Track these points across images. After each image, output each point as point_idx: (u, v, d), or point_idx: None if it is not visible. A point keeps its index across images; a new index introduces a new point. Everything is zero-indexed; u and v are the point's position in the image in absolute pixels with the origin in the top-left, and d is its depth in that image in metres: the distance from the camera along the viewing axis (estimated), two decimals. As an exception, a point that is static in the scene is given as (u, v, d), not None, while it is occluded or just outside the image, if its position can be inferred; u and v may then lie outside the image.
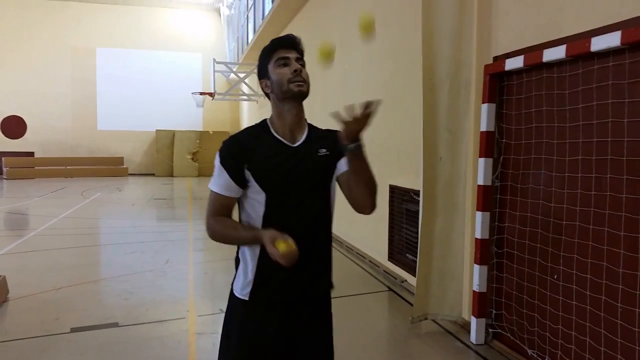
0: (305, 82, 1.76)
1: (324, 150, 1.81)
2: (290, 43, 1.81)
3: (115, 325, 4.34)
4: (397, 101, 5.82)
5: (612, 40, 2.67)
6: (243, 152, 1.74)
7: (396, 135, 5.86)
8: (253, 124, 1.88)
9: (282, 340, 1.80)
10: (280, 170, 1.73)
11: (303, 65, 1.80)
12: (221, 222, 1.77)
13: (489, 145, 3.82)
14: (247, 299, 1.80)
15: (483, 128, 3.83)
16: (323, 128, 1.94)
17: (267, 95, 1.85)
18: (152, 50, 23.98)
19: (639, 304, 2.66)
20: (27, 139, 22.81)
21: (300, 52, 1.82)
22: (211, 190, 1.80)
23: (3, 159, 21.62)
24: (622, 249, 2.76)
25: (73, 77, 23.33)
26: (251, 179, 1.73)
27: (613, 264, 2.82)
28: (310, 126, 1.89)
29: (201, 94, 19.69)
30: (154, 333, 4.21)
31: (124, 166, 23.15)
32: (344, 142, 1.61)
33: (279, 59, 1.77)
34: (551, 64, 3.22)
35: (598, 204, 2.93)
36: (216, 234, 1.78)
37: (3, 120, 22.41)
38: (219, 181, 1.76)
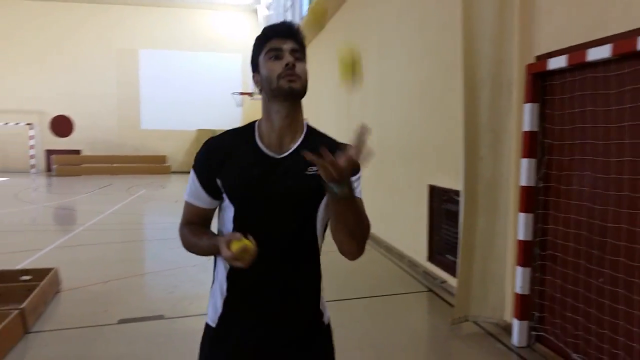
0: (300, 77, 1.44)
1: (315, 168, 1.33)
2: (286, 31, 1.48)
3: (161, 317, 4.51)
4: (436, 101, 5.80)
5: (662, 39, 2.62)
6: (216, 157, 1.49)
7: (435, 135, 5.84)
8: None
9: None
10: (254, 184, 1.45)
11: (300, 59, 1.47)
12: (187, 229, 1.55)
13: (532, 145, 3.78)
14: (213, 325, 1.55)
15: (526, 128, 3.79)
16: (347, 142, 1.45)
17: (260, 91, 1.56)
18: (192, 51, 24.55)
19: (688, 309, 2.60)
20: (74, 138, 23.74)
21: (299, 43, 1.49)
22: (185, 200, 1.58)
23: (52, 156, 22.55)
24: (671, 253, 2.70)
25: (118, 78, 24.15)
26: (222, 190, 1.49)
27: (661, 267, 2.76)
28: (310, 132, 1.56)
29: (241, 94, 20.00)
30: (198, 326, 4.28)
31: (167, 164, 23.76)
32: (325, 179, 1.22)
33: (270, 51, 1.46)
34: (596, 64, 3.17)
35: (646, 206, 2.87)
36: (184, 242, 1.55)
37: (52, 119, 23.37)
38: (190, 189, 1.54)
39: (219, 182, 1.48)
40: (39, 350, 3.81)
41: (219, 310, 1.53)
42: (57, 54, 23.45)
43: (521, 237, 3.85)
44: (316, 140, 1.52)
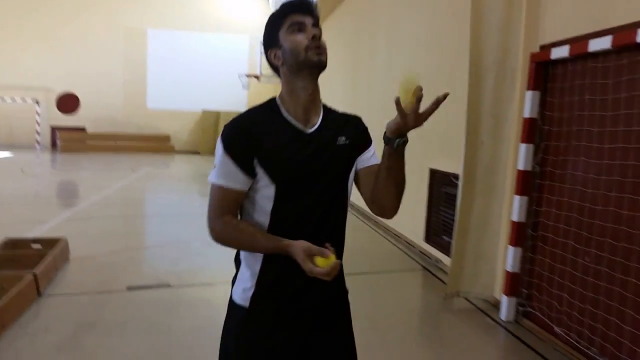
0: (325, 50, 1.48)
1: (344, 138, 1.54)
2: (305, 6, 1.50)
3: (168, 286, 4.70)
4: (442, 86, 5.91)
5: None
6: (251, 136, 1.45)
7: (439, 120, 5.92)
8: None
9: (289, 356, 1.55)
10: (295, 161, 1.45)
11: (321, 33, 1.51)
12: (231, 225, 1.48)
13: (531, 131, 3.92)
14: (246, 305, 1.53)
15: (526, 114, 3.93)
16: (354, 113, 1.70)
17: (275, 69, 1.56)
18: (200, 32, 24.50)
19: (667, 286, 2.76)
20: (80, 115, 23.77)
21: (316, 18, 1.52)
22: (213, 184, 1.49)
23: (57, 133, 22.70)
24: (654, 234, 2.86)
25: (125, 57, 24.16)
26: (260, 170, 1.45)
27: (645, 248, 2.92)
28: (325, 107, 1.61)
29: (248, 76, 20.03)
30: (203, 294, 4.55)
31: (171, 144, 23.90)
32: (390, 134, 1.38)
33: (292, 24, 1.47)
34: (596, 54, 3.30)
35: (634, 191, 3.02)
36: (224, 238, 1.49)
37: (59, 96, 23.45)
38: (223, 171, 1.46)
39: (255, 160, 1.44)
40: (52, 312, 4.00)
41: (252, 289, 1.53)
42: (65, 32, 23.46)
43: (515, 218, 4.02)
44: (333, 113, 1.62)
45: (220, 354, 1.63)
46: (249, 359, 1.54)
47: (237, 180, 1.45)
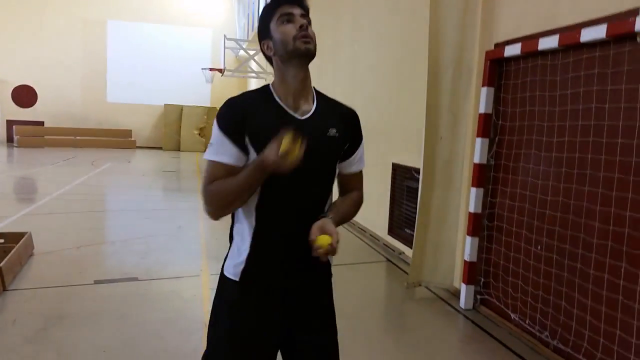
0: (312, 39, 1.55)
1: (334, 130, 1.62)
2: None
3: (135, 279, 4.73)
4: (404, 83, 6.11)
5: (599, 32, 2.96)
6: (243, 116, 1.54)
7: (401, 116, 6.16)
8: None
9: (276, 328, 1.66)
10: None
11: (309, 23, 1.59)
12: (218, 182, 1.54)
13: (486, 126, 4.13)
14: (237, 279, 1.63)
15: (482, 110, 4.13)
16: (351, 106, 1.79)
17: (268, 58, 1.65)
18: (162, 24, 24.09)
19: (608, 270, 3.00)
20: (37, 109, 23.13)
21: (306, 9, 1.60)
22: (209, 161, 1.57)
23: (14, 127, 22.00)
24: (597, 222, 3.09)
25: (84, 49, 23.54)
26: (250, 148, 1.54)
27: (589, 235, 3.15)
28: (319, 95, 1.69)
29: (211, 69, 19.89)
30: (171, 287, 4.60)
31: (132, 139, 23.48)
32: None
33: (282, 15, 1.56)
34: (546, 52, 3.52)
35: (579, 182, 3.25)
36: (214, 197, 1.55)
37: (14, 89, 22.73)
38: (217, 147, 1.55)
39: (247, 138, 1.53)
40: (19, 305, 3.99)
41: (242, 264, 1.61)
42: (22, 22, 22.65)
43: (472, 209, 4.23)
44: (327, 101, 1.70)
45: (210, 327, 1.70)
46: (240, 330, 1.62)
47: (229, 154, 1.53)
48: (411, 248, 4.88)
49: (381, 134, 6.73)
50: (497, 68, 4.09)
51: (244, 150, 1.54)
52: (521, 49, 3.67)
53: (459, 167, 4.46)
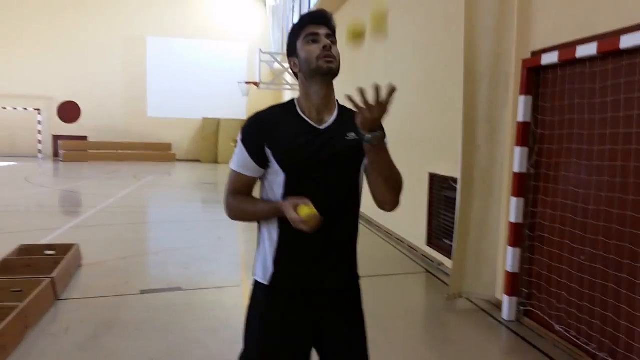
0: (335, 58, 1.65)
1: (353, 134, 1.66)
2: (321, 18, 1.68)
3: (179, 289, 4.87)
4: (439, 92, 6.11)
5: (639, 39, 2.92)
6: (264, 129, 1.65)
7: (437, 125, 6.16)
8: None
9: (305, 330, 1.72)
10: (303, 151, 1.63)
11: (334, 43, 1.68)
12: (238, 198, 1.71)
13: (525, 134, 4.10)
14: (267, 284, 1.72)
15: (520, 119, 4.11)
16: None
17: (295, 74, 1.74)
18: (200, 39, 24.78)
19: (655, 280, 2.93)
20: (81, 124, 24.03)
21: (332, 29, 1.69)
22: (231, 170, 1.73)
23: (59, 141, 22.91)
24: (642, 231, 3.03)
25: (125, 65, 24.41)
26: (271, 158, 1.64)
27: (635, 245, 3.09)
28: (341, 107, 1.77)
29: (247, 83, 20.24)
30: (213, 297, 4.72)
31: (172, 152, 24.08)
32: (360, 131, 1.50)
33: (307, 35, 1.65)
34: (584, 60, 3.48)
35: (622, 190, 3.19)
36: (233, 211, 1.73)
37: (60, 105, 23.69)
38: (238, 159, 1.69)
39: (268, 150, 1.63)
40: (70, 314, 4.16)
41: (270, 269, 1.70)
42: (66, 41, 23.71)
43: (512, 219, 4.19)
44: (349, 112, 1.71)
45: (245, 328, 1.80)
46: (271, 332, 1.71)
47: (249, 167, 1.68)
48: (451, 259, 4.85)
49: (417, 143, 6.73)
50: (534, 76, 4.06)
51: (263, 161, 1.65)
52: (558, 57, 3.64)
53: (498, 177, 4.43)
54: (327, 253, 1.69)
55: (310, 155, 1.63)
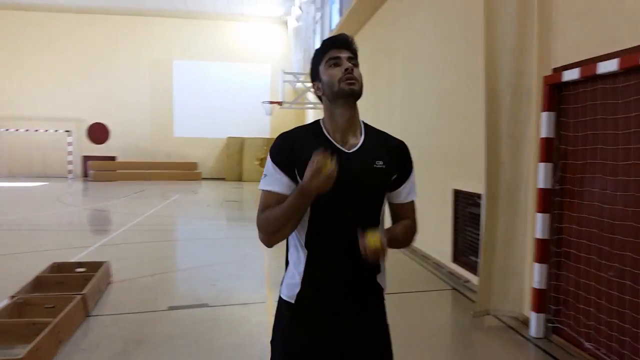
0: (357, 81, 1.68)
1: (381, 162, 1.70)
2: (342, 42, 1.72)
3: (206, 305, 4.95)
4: (461, 110, 6.14)
5: (663, 54, 2.94)
6: (294, 149, 1.68)
7: (460, 142, 6.17)
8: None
9: (328, 349, 1.72)
10: None
11: (356, 65, 1.71)
12: (269, 210, 1.67)
13: (549, 150, 4.10)
14: (293, 302, 1.74)
15: (543, 134, 4.11)
16: (400, 139, 1.85)
17: (319, 98, 1.78)
18: (224, 62, 25.30)
19: (685, 296, 2.89)
20: (109, 144, 24.70)
21: (353, 52, 1.73)
22: (263, 191, 1.71)
23: (89, 162, 23.51)
24: (671, 246, 3.00)
25: (152, 87, 25.05)
26: (299, 179, 1.63)
27: (663, 260, 3.06)
28: (368, 128, 1.79)
29: (270, 102, 20.51)
30: (240, 313, 4.79)
31: (198, 171, 24.46)
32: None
33: (329, 59, 1.70)
34: (605, 76, 3.49)
35: (650, 205, 3.17)
36: (265, 225, 1.68)
37: (89, 127, 24.43)
38: (271, 179, 1.69)
39: (296, 171, 1.66)
40: (101, 330, 4.27)
41: (297, 288, 1.73)
42: (95, 64, 24.48)
43: (539, 235, 4.16)
44: (375, 135, 1.79)
45: (271, 344, 1.82)
46: (294, 349, 1.73)
47: (280, 183, 1.67)
48: (477, 275, 4.82)
49: (440, 160, 6.74)
50: (556, 92, 4.07)
51: (293, 177, 1.67)
52: (580, 73, 3.65)
53: (523, 193, 4.42)
54: (354, 273, 1.71)
55: (337, 181, 1.56)
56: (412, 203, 1.86)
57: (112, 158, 24.69)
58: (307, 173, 1.48)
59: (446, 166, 6.61)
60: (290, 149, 1.69)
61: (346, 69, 1.67)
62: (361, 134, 1.76)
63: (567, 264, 4.03)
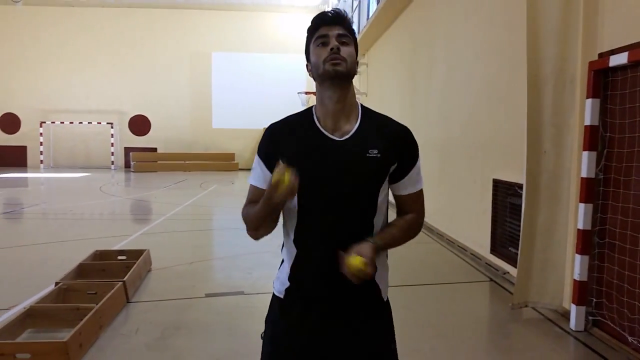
0: (345, 60, 1.49)
1: (375, 151, 1.52)
2: (333, 18, 1.54)
3: (242, 293, 5.02)
4: (502, 97, 5.99)
5: None
6: (278, 142, 1.57)
7: (501, 131, 6.02)
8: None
9: (310, 349, 1.63)
10: (317, 166, 1.52)
11: (347, 43, 1.53)
12: (249, 206, 1.61)
13: (593, 139, 3.95)
14: (282, 297, 1.67)
15: (587, 122, 3.96)
16: (404, 125, 1.65)
17: (314, 80, 1.61)
18: (261, 53, 25.48)
19: None
20: (150, 136, 25.33)
21: (347, 28, 1.54)
22: (250, 184, 1.66)
23: (131, 153, 24.15)
24: None
25: (191, 80, 25.50)
26: None
27: None
28: (366, 113, 1.61)
29: (306, 93, 20.55)
30: (275, 301, 4.81)
31: (235, 161, 24.78)
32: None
33: (318, 38, 1.53)
34: (656, 60, 3.33)
35: (701, 195, 3.02)
36: (245, 220, 1.62)
37: (131, 119, 25.09)
38: (255, 174, 1.63)
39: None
40: (140, 316, 4.39)
41: (286, 284, 1.65)
42: (137, 58, 25.09)
43: (581, 226, 4.03)
44: (374, 119, 1.61)
45: (262, 339, 1.78)
46: (279, 344, 1.68)
47: (262, 179, 1.60)
48: (516, 267, 4.72)
49: (480, 149, 6.60)
50: (601, 78, 3.91)
51: None
52: (628, 57, 3.49)
53: (566, 182, 4.28)
54: (339, 276, 1.48)
55: (324, 170, 1.51)
56: (417, 194, 1.67)
57: (153, 149, 25.30)
58: (267, 189, 1.42)
59: (485, 155, 6.46)
60: (276, 141, 1.58)
61: (331, 48, 1.49)
62: (357, 120, 1.58)
63: (611, 255, 3.88)
